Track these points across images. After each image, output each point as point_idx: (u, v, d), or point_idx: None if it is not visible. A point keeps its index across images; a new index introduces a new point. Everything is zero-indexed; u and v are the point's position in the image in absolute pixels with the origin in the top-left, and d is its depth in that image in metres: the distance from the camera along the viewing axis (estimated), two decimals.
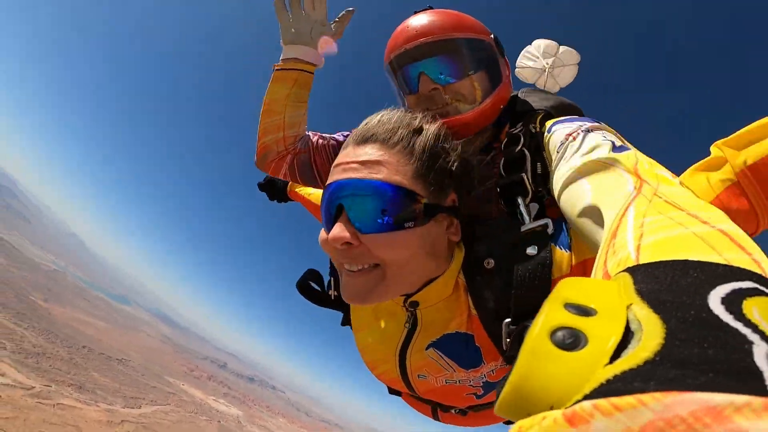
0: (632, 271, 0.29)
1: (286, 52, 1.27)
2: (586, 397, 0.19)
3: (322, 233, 0.78)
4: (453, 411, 1.02)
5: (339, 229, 0.73)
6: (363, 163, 0.75)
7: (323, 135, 1.39)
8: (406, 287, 0.79)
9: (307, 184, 1.38)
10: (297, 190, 1.77)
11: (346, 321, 1.06)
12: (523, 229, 0.79)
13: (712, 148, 0.74)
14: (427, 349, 0.87)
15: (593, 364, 0.21)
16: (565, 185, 0.69)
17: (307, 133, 1.37)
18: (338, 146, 1.36)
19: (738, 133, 0.71)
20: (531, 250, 0.75)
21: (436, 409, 1.05)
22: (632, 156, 0.63)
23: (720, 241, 0.31)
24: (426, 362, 0.89)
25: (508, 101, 1.12)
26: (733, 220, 0.38)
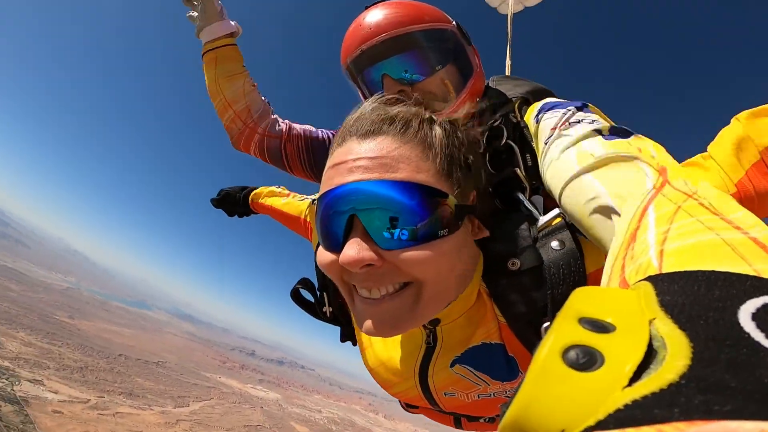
0: (654, 280, 0.27)
1: (203, 42, 1.33)
2: (600, 424, 0.17)
3: (324, 255, 0.63)
4: (482, 420, 0.96)
5: (356, 249, 0.57)
6: (375, 158, 0.59)
7: (297, 125, 1.35)
8: (441, 307, 0.67)
9: (278, 167, 1.35)
10: (262, 201, 1.56)
11: (345, 337, 0.98)
12: (540, 223, 0.71)
13: (733, 122, 0.70)
14: (452, 366, 0.78)
15: (610, 386, 0.19)
16: (567, 182, 0.63)
17: (278, 118, 1.36)
18: (314, 141, 1.31)
19: (755, 110, 0.67)
20: (556, 245, 0.66)
21: (460, 419, 0.99)
22: (637, 144, 0.57)
23: (752, 250, 0.28)
24: (453, 379, 0.79)
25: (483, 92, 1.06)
26: (761, 201, 0.35)
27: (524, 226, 0.71)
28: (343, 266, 0.59)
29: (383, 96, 0.71)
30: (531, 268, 0.66)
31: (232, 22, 1.37)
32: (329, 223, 0.61)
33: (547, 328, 0.64)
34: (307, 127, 1.38)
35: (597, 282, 0.61)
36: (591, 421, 0.18)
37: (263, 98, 1.40)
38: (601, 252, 0.61)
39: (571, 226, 0.67)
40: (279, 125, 1.36)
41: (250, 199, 1.61)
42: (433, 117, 0.68)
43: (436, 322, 0.74)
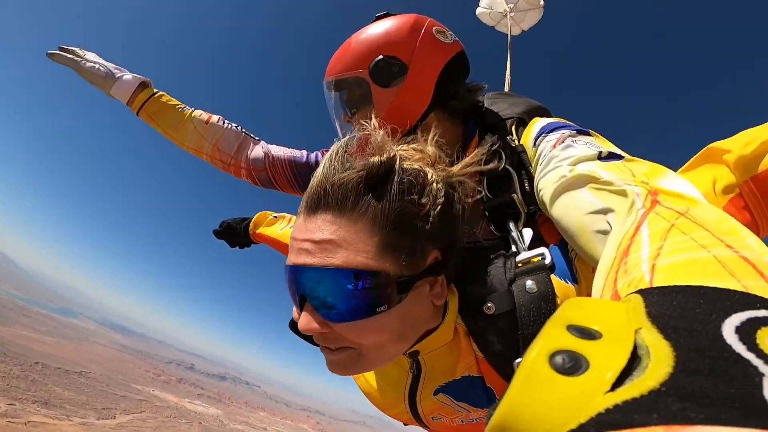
0: (644, 293, 0.28)
1: (120, 99, 1.33)
2: (581, 427, 0.18)
3: (294, 312, 0.74)
4: None
5: (306, 321, 0.66)
6: (317, 243, 0.64)
7: (276, 151, 1.34)
8: (390, 360, 0.73)
9: (274, 189, 1.38)
10: (261, 231, 1.59)
11: None
12: (518, 259, 0.75)
13: (708, 152, 0.75)
14: (435, 394, 0.83)
15: (593, 390, 0.20)
16: (558, 194, 0.67)
17: (262, 147, 1.35)
18: (301, 168, 1.32)
19: (734, 142, 0.72)
20: (530, 285, 0.70)
21: None
22: (632, 166, 0.60)
23: (741, 267, 0.30)
24: (438, 406, 0.86)
25: (476, 109, 1.09)
26: None
27: (503, 265, 0.75)
28: (302, 330, 0.68)
29: (342, 147, 0.72)
30: (505, 312, 0.71)
31: (128, 77, 1.32)
32: (290, 293, 0.70)
33: (518, 364, 0.63)
34: (289, 153, 1.34)
35: None
36: (573, 425, 0.18)
37: (232, 128, 1.35)
38: (575, 294, 0.69)
39: (549, 268, 0.71)
40: (262, 155, 1.34)
41: (251, 229, 1.62)
42: (383, 171, 0.67)
43: (415, 354, 0.79)
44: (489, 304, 0.71)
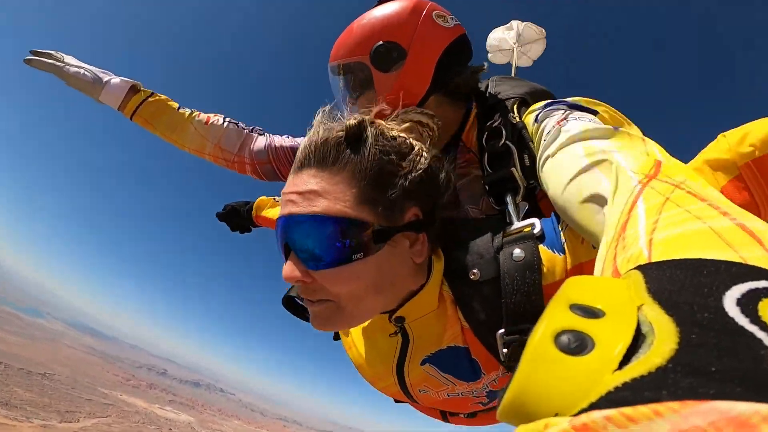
0: (644, 269, 0.28)
1: (109, 104, 1.31)
2: (592, 405, 0.18)
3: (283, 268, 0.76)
4: (462, 415, 1.04)
5: (289, 268, 0.70)
6: (301, 194, 0.70)
7: (280, 141, 1.36)
8: (370, 315, 0.78)
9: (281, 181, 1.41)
10: (263, 214, 1.63)
11: (338, 336, 1.06)
12: (508, 230, 0.76)
13: (718, 139, 0.76)
14: (422, 364, 0.85)
15: (600, 369, 0.20)
16: (573, 178, 0.65)
17: (266, 139, 1.37)
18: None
19: (743, 127, 0.74)
20: (518, 253, 0.71)
21: (446, 414, 1.06)
22: (634, 142, 0.60)
23: (738, 237, 0.30)
24: (424, 377, 0.87)
25: (476, 91, 1.12)
26: None
27: (491, 234, 0.76)
28: (284, 280, 0.71)
29: (318, 115, 0.78)
30: (490, 279, 0.72)
31: (116, 81, 1.29)
32: (278, 246, 0.75)
33: (502, 335, 0.70)
34: (291, 142, 1.36)
35: (553, 294, 0.61)
36: (584, 404, 0.19)
37: (233, 126, 1.36)
38: (563, 267, 0.70)
39: (538, 237, 0.72)
40: (264, 147, 1.35)
41: (254, 211, 1.66)
42: (363, 137, 0.72)
43: (401, 319, 0.81)
44: (474, 270, 0.73)
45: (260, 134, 1.38)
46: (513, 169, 0.89)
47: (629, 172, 0.50)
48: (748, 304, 0.21)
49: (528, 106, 1.00)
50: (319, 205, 0.68)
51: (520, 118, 0.96)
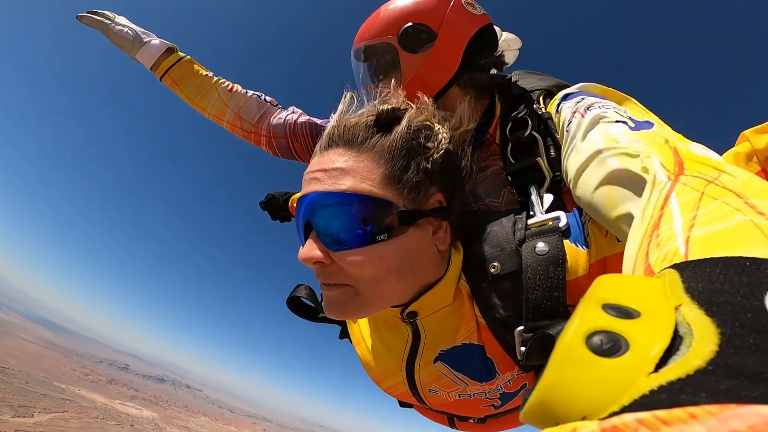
0: (680, 267, 0.27)
1: (144, 64, 1.37)
2: (625, 409, 0.18)
3: (300, 249, 0.73)
4: (471, 420, 1.00)
5: (308, 248, 0.68)
6: (327, 171, 0.69)
7: (300, 118, 1.37)
8: (388, 302, 0.73)
9: (293, 160, 1.44)
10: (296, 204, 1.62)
11: (344, 334, 1.03)
12: (531, 222, 0.74)
13: (741, 137, 0.76)
14: (435, 362, 0.82)
15: (635, 372, 0.19)
16: (589, 161, 0.64)
17: (280, 113, 1.38)
18: (317, 130, 1.36)
19: (766, 125, 0.74)
20: (541, 247, 0.68)
21: (453, 419, 1.02)
22: (658, 134, 0.58)
23: None
24: (436, 376, 0.83)
25: (497, 83, 1.12)
26: None
27: (514, 225, 0.74)
28: (302, 261, 0.69)
29: (347, 97, 0.79)
30: (511, 272, 0.70)
31: (156, 42, 1.36)
32: (298, 225, 0.73)
33: (520, 332, 0.67)
34: (312, 121, 1.37)
35: (577, 290, 0.66)
36: (616, 407, 0.18)
37: (255, 97, 1.39)
38: (587, 261, 0.67)
39: (563, 231, 0.70)
40: (283, 122, 1.36)
41: (289, 203, 1.70)
42: (392, 115, 0.73)
43: (414, 315, 0.78)
44: (495, 263, 0.71)
45: (281, 109, 1.40)
46: (539, 159, 0.88)
47: (658, 167, 0.49)
48: None
49: (552, 97, 0.99)
50: (345, 183, 0.67)
51: (546, 109, 0.94)
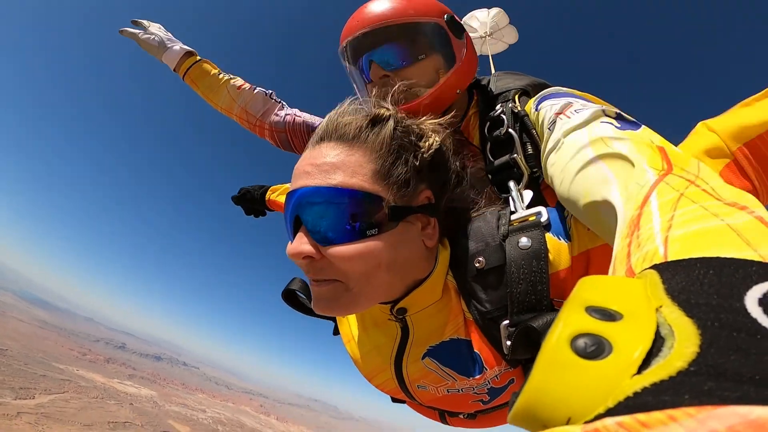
0: (660, 268, 0.28)
1: (169, 66, 1.59)
2: (609, 411, 0.18)
3: (289, 244, 0.74)
4: (461, 416, 1.01)
5: (298, 243, 0.68)
6: (318, 166, 0.69)
7: (299, 115, 1.49)
8: (378, 298, 0.74)
9: (293, 152, 1.52)
10: (274, 197, 1.69)
11: (337, 330, 1.03)
12: (513, 217, 0.76)
13: (699, 127, 0.75)
14: (423, 358, 0.83)
15: (619, 374, 0.20)
16: (580, 169, 0.63)
17: (282, 110, 1.51)
18: (313, 129, 1.41)
19: (728, 114, 0.74)
20: (524, 242, 0.70)
21: (444, 414, 1.04)
22: (643, 135, 0.58)
23: (756, 234, 0.29)
24: (424, 372, 0.85)
25: (476, 84, 1.18)
26: None
27: (497, 221, 0.76)
28: (290, 257, 0.69)
29: (347, 101, 0.80)
30: (495, 266, 0.72)
31: (177, 47, 1.56)
32: (286, 220, 0.73)
33: (506, 326, 0.70)
34: (310, 119, 1.49)
35: (560, 283, 0.69)
36: (601, 409, 0.18)
37: (261, 93, 1.53)
38: (569, 254, 0.69)
39: (545, 225, 0.72)
40: (283, 118, 1.49)
41: (266, 197, 1.71)
42: (382, 118, 0.74)
43: (403, 311, 0.79)
44: (480, 258, 0.73)
45: (283, 106, 1.54)
46: (516, 155, 0.90)
47: (641, 165, 0.49)
48: None
49: (529, 96, 1.03)
50: (336, 178, 0.67)
51: (522, 107, 0.97)
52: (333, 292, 0.70)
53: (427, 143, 0.76)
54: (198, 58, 1.56)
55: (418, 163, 0.73)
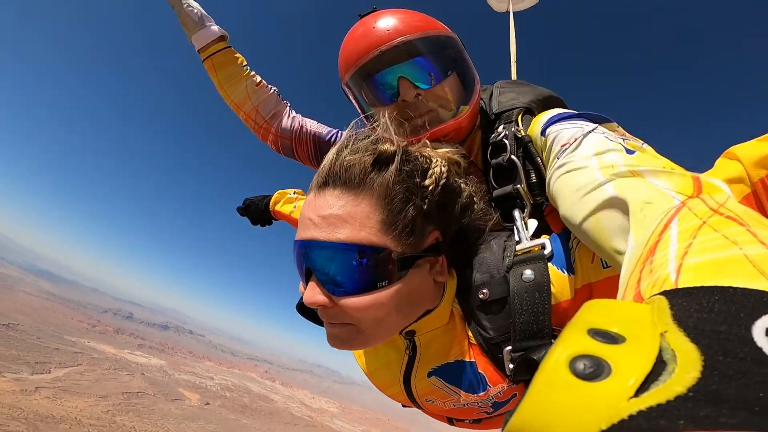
0: (669, 294, 0.27)
1: (195, 44, 1.46)
2: None
3: (301, 287, 0.77)
4: (467, 421, 1.04)
5: (311, 293, 0.71)
6: (325, 218, 0.70)
7: (308, 124, 1.45)
8: (390, 335, 0.78)
9: (294, 160, 1.50)
10: (278, 208, 1.68)
11: None
12: (518, 248, 0.78)
13: (727, 159, 0.74)
14: (429, 376, 0.87)
15: (615, 396, 0.19)
16: (587, 192, 0.63)
17: (290, 115, 1.47)
18: (322, 145, 1.43)
19: (754, 142, 0.72)
20: (528, 274, 0.73)
21: (452, 419, 1.07)
22: (658, 159, 0.59)
23: None
24: (431, 389, 0.89)
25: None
26: None
27: (502, 253, 0.78)
28: (306, 303, 0.73)
29: (351, 136, 0.78)
30: (499, 298, 0.75)
31: (214, 28, 1.45)
32: (297, 267, 0.76)
33: (509, 351, 0.75)
34: (317, 129, 1.44)
35: (561, 312, 0.71)
36: (594, 431, 0.18)
37: (275, 94, 1.47)
38: (571, 286, 0.71)
39: (548, 258, 0.74)
40: (291, 124, 1.44)
41: (270, 205, 1.73)
42: (387, 159, 0.73)
43: (412, 333, 0.83)
44: (484, 290, 0.75)
45: (291, 111, 1.48)
46: (519, 186, 0.89)
47: (663, 190, 0.48)
48: None
49: (533, 115, 0.99)
50: (344, 232, 0.68)
51: (525, 130, 0.95)
52: (347, 334, 0.72)
53: (433, 177, 0.76)
54: (228, 44, 1.48)
55: (425, 206, 0.73)
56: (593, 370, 0.21)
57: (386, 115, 0.84)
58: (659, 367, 0.21)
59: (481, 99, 1.12)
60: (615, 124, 0.81)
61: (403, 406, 1.11)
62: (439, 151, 0.83)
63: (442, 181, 0.76)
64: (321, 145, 1.44)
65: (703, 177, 0.50)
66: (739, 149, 0.73)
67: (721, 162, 0.75)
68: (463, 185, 0.81)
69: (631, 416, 0.18)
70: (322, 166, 0.75)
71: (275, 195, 1.73)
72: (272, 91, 1.47)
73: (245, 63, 1.47)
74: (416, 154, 0.77)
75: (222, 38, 1.46)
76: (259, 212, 1.76)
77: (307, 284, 0.72)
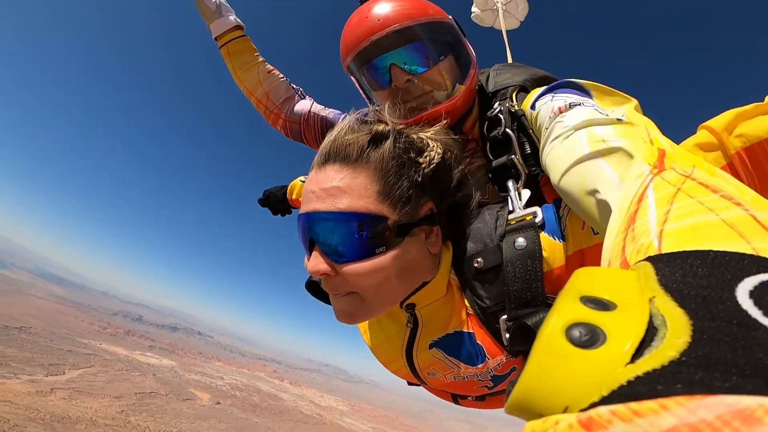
0: (654, 260, 0.28)
1: (212, 32, 1.53)
2: (604, 400, 0.19)
3: (306, 260, 0.81)
4: (470, 398, 1.07)
5: (315, 261, 0.74)
6: (326, 190, 0.75)
7: (316, 108, 1.49)
8: (391, 303, 0.82)
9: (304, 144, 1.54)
10: (295, 196, 1.74)
11: None
12: (510, 217, 0.81)
13: (700, 130, 0.76)
14: (430, 348, 0.90)
15: (613, 363, 0.20)
16: (574, 164, 0.65)
17: (301, 101, 1.52)
18: (327, 125, 1.46)
19: (727, 114, 0.74)
20: (521, 242, 0.75)
21: (456, 397, 1.10)
22: (640, 131, 0.59)
23: (751, 227, 0.29)
24: (432, 361, 0.91)
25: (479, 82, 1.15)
26: None
27: (494, 222, 0.81)
28: (310, 273, 0.77)
29: (348, 117, 0.83)
30: (493, 267, 0.77)
31: (231, 18, 1.52)
32: (302, 240, 0.80)
33: (504, 320, 0.78)
34: (325, 113, 1.48)
35: (554, 280, 0.74)
36: (595, 398, 0.19)
37: (286, 82, 1.52)
38: (563, 253, 0.74)
39: (540, 225, 0.77)
40: (300, 109, 1.48)
41: (288, 194, 1.77)
42: (382, 136, 0.78)
43: (412, 306, 0.86)
44: (479, 259, 0.78)
45: (303, 98, 1.54)
46: (513, 156, 0.93)
47: (638, 161, 0.50)
48: (761, 296, 0.21)
49: (527, 92, 1.04)
50: (343, 202, 0.73)
51: (519, 105, 0.99)
52: (351, 303, 0.77)
53: (428, 158, 0.80)
54: (244, 33, 1.55)
55: (419, 179, 0.77)
56: (589, 337, 0.22)
57: (383, 100, 0.94)
58: (651, 332, 0.21)
59: (479, 81, 1.16)
60: (606, 87, 0.79)
61: (408, 384, 1.14)
62: (431, 132, 0.87)
63: (436, 158, 0.80)
64: (329, 129, 1.47)
65: (668, 144, 0.52)
66: (711, 121, 0.78)
67: (696, 136, 0.79)
68: (454, 163, 0.85)
69: (629, 382, 0.19)
70: (322, 145, 0.80)
71: (291, 184, 1.77)
72: (283, 78, 1.53)
73: (257, 52, 1.55)
74: (412, 135, 0.82)
75: (238, 27, 1.53)
76: (278, 202, 1.80)
77: (310, 254, 0.77)
